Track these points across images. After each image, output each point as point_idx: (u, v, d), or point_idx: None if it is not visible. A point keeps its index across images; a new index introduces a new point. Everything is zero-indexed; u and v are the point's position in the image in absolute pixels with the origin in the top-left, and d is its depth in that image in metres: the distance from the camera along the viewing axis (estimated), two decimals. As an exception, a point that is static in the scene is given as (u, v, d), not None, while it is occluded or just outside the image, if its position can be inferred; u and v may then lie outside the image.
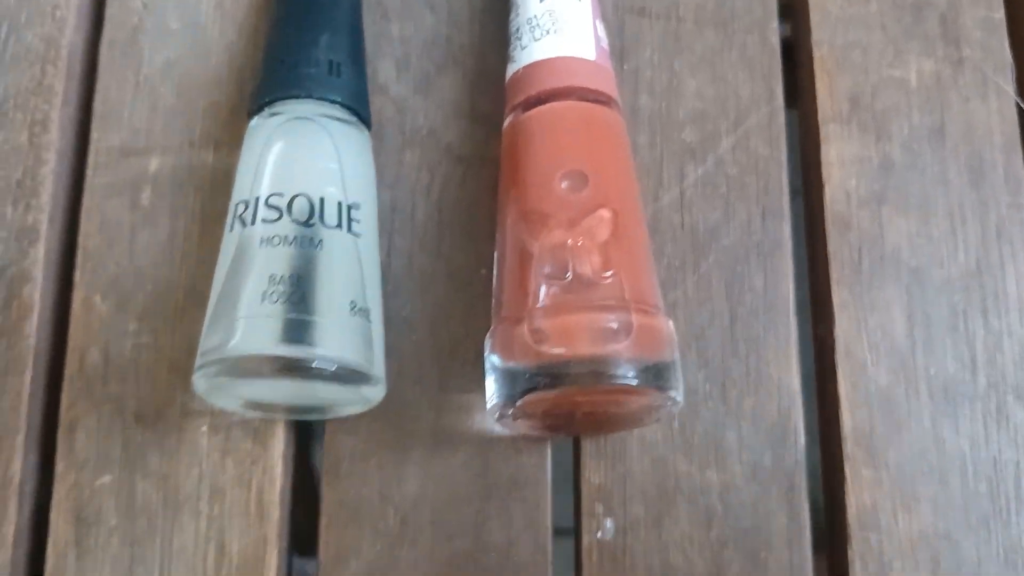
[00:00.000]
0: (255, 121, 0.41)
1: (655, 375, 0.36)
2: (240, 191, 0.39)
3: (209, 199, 0.44)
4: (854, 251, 0.44)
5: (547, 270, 0.36)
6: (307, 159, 0.39)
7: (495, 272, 0.40)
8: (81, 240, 0.44)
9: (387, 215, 0.43)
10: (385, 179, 0.44)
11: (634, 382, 0.35)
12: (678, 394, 0.36)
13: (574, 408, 0.38)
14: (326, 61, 0.41)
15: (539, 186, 0.38)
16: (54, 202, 0.44)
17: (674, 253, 0.43)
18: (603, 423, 0.40)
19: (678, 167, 0.45)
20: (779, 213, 0.44)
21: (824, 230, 0.44)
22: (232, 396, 0.39)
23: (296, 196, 0.38)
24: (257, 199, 0.38)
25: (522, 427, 0.39)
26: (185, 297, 0.43)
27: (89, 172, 0.44)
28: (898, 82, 0.46)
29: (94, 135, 0.45)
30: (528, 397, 0.36)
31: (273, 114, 0.40)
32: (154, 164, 0.44)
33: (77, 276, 0.43)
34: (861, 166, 0.45)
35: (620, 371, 0.35)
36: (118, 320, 0.42)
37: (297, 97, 0.40)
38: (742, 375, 0.42)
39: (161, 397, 0.42)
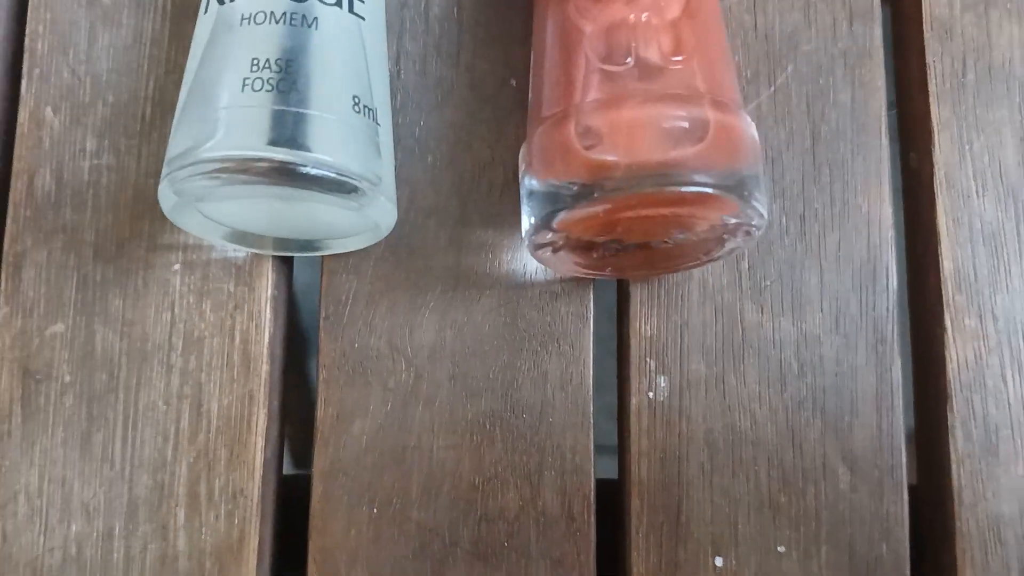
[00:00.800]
0: None
1: (735, 184, 0.28)
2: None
3: (181, -5, 0.36)
4: (957, 62, 0.36)
5: (602, 54, 0.29)
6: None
7: (532, 70, 0.32)
8: (28, 43, 0.36)
9: (395, 12, 0.36)
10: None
11: (708, 189, 0.28)
12: (762, 209, 0.29)
13: (627, 233, 0.31)
14: None
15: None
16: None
17: (746, 61, 0.36)
18: (659, 259, 0.33)
19: (747, -38, 0.37)
20: (869, 15, 0.36)
21: (922, 37, 0.36)
22: (207, 216, 0.31)
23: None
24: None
25: (562, 263, 0.32)
26: (153, 110, 0.35)
27: (36, -37, 0.37)
28: None
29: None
30: (572, 213, 0.28)
31: None
32: (115, -47, 0.36)
33: (24, 86, 0.36)
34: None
35: (691, 176, 0.28)
36: (73, 137, 0.35)
37: None
38: (825, 206, 0.35)
39: (124, 228, 0.34)
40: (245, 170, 0.29)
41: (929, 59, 0.36)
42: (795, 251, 0.35)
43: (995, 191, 0.35)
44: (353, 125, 0.30)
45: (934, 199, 0.35)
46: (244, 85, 0.29)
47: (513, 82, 0.35)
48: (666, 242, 0.32)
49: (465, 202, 0.35)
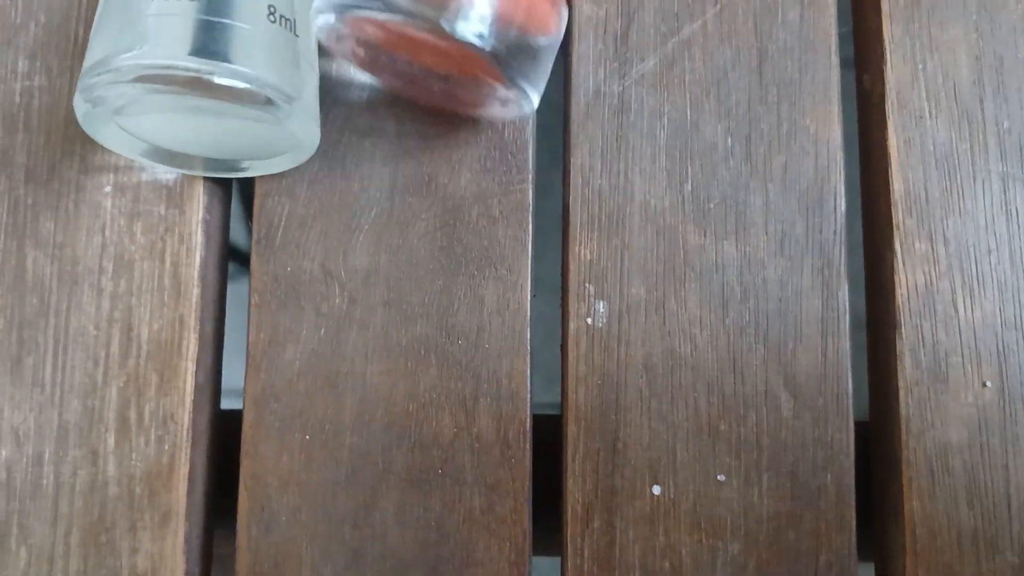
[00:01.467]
0: None
1: (506, 54, 0.28)
2: None
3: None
4: (913, -19, 0.35)
5: None
6: None
7: None
8: (-41, -37, 0.35)
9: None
10: None
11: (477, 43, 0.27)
12: (531, 93, 0.29)
13: (413, 56, 0.30)
14: None
15: None
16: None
17: (690, -20, 0.35)
18: (443, 95, 0.32)
19: None
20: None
21: (877, -46, 0.35)
22: (127, 131, 0.31)
23: None
24: None
25: (342, 49, 0.31)
26: (85, 31, 0.34)
27: None
28: None
29: None
30: (353, 14, 0.28)
31: None
32: None
33: (-46, 7, 0.35)
34: None
35: (461, 25, 0.27)
36: (4, 59, 0.34)
37: None
38: (772, 127, 0.34)
39: (56, 150, 0.34)
40: (157, 79, 0.28)
41: (884, -21, 0.35)
42: (740, 173, 0.34)
43: (948, 112, 0.34)
44: (270, 36, 0.29)
45: (885, 120, 0.34)
46: (159, -7, 0.28)
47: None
48: (444, 80, 0.31)
49: (402, 122, 0.34)
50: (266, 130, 0.30)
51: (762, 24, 0.34)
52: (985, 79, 0.34)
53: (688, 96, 0.34)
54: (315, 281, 0.33)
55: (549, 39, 0.30)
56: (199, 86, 0.28)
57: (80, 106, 0.29)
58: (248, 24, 0.29)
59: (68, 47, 0.34)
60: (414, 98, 0.33)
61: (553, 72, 0.35)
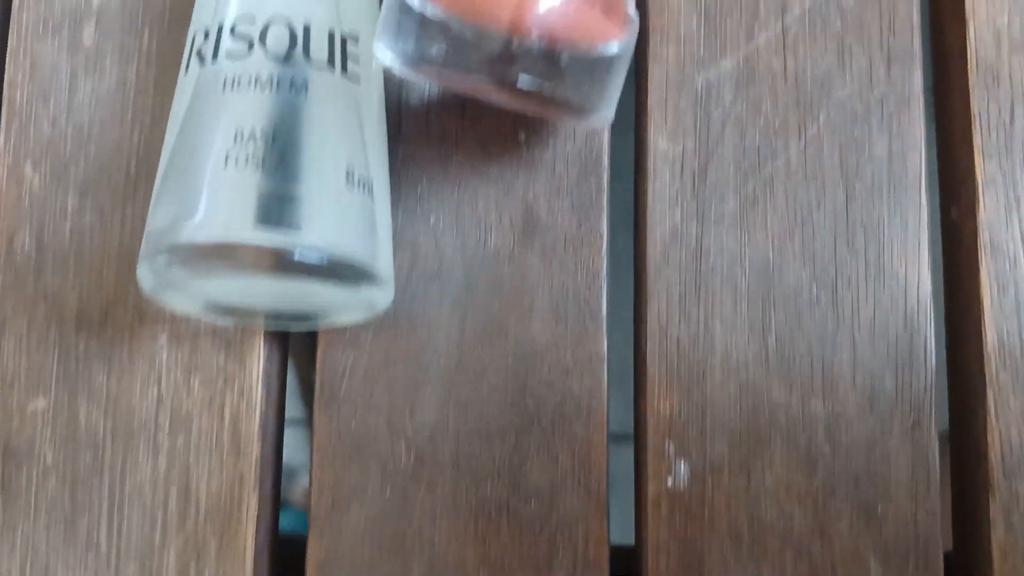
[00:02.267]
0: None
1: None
2: (200, 16, 0.29)
3: (169, 36, 0.34)
4: (1004, 111, 0.33)
5: None
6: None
7: None
8: (7, 91, 0.34)
9: (398, 61, 0.33)
10: None
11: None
12: (602, 110, 0.28)
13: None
14: None
15: None
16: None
17: (774, 110, 0.33)
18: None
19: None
20: (909, 58, 0.33)
21: (966, 83, 0.33)
22: (191, 295, 0.29)
23: (272, 20, 0.28)
24: (220, 27, 0.28)
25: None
26: (138, 166, 0.33)
27: (15, 2, 0.34)
28: None
29: (20, -45, 0.34)
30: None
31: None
32: (97, -7, 0.34)
33: (2, 139, 0.33)
34: None
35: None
36: (54, 195, 0.33)
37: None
38: (859, 273, 0.32)
39: (109, 295, 0.32)
40: (228, 256, 0.27)
41: (975, 107, 0.33)
42: (826, 323, 0.32)
43: (1044, 251, 0.33)
44: (346, 203, 0.28)
45: (977, 264, 0.33)
46: (227, 160, 0.27)
47: (522, 136, 0.33)
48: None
49: (470, 265, 0.32)
50: (340, 293, 0.29)
51: (848, 160, 0.33)
52: (1083, 220, 0.32)
53: (771, 238, 0.32)
54: (380, 438, 0.31)
55: (606, 47, 0.28)
56: (270, 263, 0.27)
57: (145, 280, 0.28)
58: (324, 193, 0.27)
59: (120, 183, 0.33)
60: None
61: (622, 213, 0.33)
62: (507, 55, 0.27)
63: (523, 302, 0.32)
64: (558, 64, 0.27)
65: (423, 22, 0.27)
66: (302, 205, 0.27)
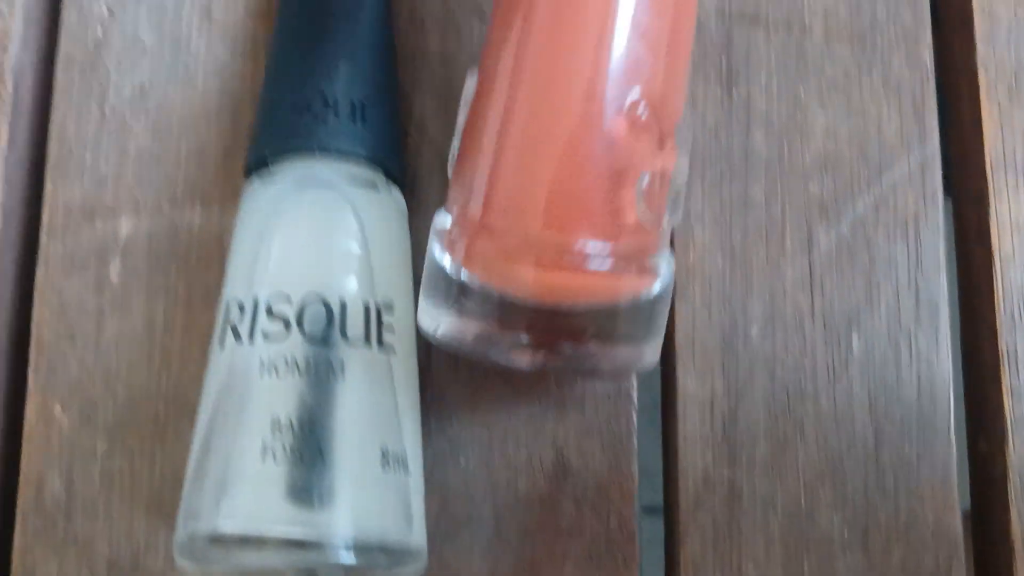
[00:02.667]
0: (253, 184, 0.31)
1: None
2: (234, 284, 0.30)
3: (196, 274, 0.34)
4: (1033, 347, 0.33)
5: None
6: (322, 243, 0.30)
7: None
8: (34, 329, 0.34)
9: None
10: (420, 249, 0.34)
11: None
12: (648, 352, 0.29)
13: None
14: (346, 102, 0.30)
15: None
16: (0, 280, 0.34)
17: (803, 348, 0.33)
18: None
19: (804, 230, 0.34)
20: (936, 295, 0.34)
21: (995, 320, 0.34)
22: (228, 564, 0.29)
23: (308, 299, 0.28)
24: (256, 302, 0.28)
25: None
26: (167, 407, 0.33)
27: (43, 238, 0.34)
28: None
29: (48, 187, 0.35)
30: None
31: (275, 176, 0.30)
32: (125, 227, 0.34)
33: (31, 378, 0.33)
34: (1042, 229, 0.34)
35: None
36: (83, 437, 0.33)
37: (307, 152, 0.30)
38: (890, 517, 0.32)
39: (139, 542, 0.32)
40: (260, 545, 0.27)
41: (1003, 345, 0.33)
42: (857, 568, 0.32)
43: (1075, 491, 0.33)
44: (381, 485, 0.28)
45: (1007, 500, 0.33)
46: (264, 452, 0.27)
47: (551, 374, 0.33)
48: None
49: (500, 509, 0.32)
50: (372, 568, 0.29)
51: (877, 401, 0.33)
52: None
53: (802, 484, 0.32)
54: None
55: (647, 293, 0.28)
56: (304, 553, 0.27)
57: (183, 561, 0.28)
58: (358, 478, 0.27)
59: (149, 426, 0.33)
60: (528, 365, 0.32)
61: (648, 461, 0.33)
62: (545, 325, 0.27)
63: (555, 548, 0.32)
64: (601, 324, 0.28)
65: (461, 289, 0.27)
66: (336, 493, 0.27)
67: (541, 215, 0.26)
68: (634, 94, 0.26)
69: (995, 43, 0.36)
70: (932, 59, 0.35)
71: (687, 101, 0.33)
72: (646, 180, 0.26)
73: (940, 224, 0.34)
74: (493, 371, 0.33)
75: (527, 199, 0.26)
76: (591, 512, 0.32)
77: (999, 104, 0.35)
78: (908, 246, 0.34)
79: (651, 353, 0.29)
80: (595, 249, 0.26)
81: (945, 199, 0.34)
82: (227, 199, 0.34)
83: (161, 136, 0.35)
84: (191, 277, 0.34)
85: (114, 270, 0.34)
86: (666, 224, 0.28)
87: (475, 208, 0.27)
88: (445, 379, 0.33)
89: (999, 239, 0.34)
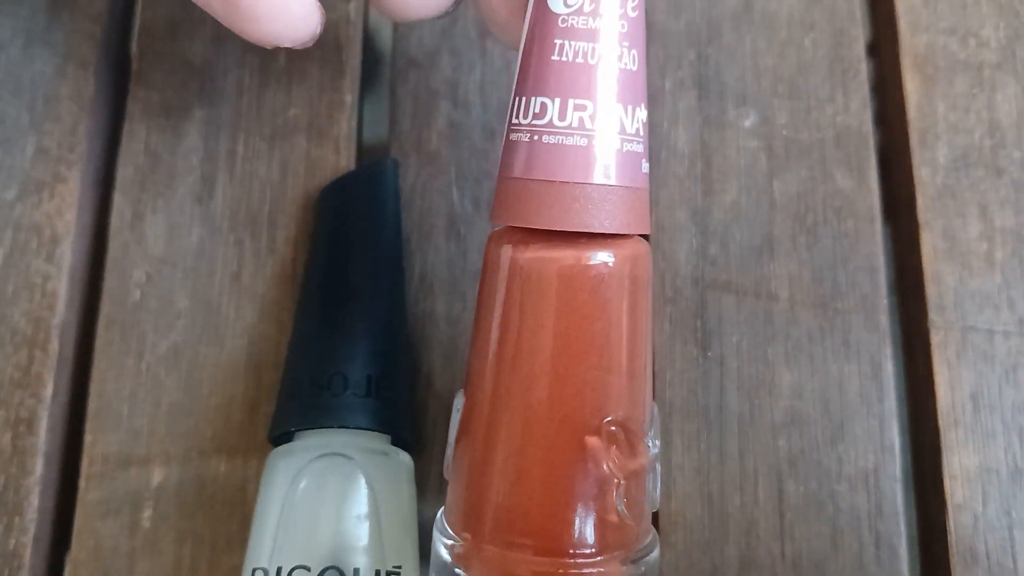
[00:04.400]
0: (274, 454, 0.34)
1: None
2: (256, 554, 0.33)
3: (221, 520, 0.37)
4: (986, 587, 0.37)
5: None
6: (336, 513, 0.33)
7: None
8: (70, 569, 0.37)
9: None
10: (425, 500, 0.37)
11: None
12: None
13: None
14: (362, 378, 0.34)
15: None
16: (40, 519, 0.37)
17: (773, 596, 0.36)
18: None
19: (775, 484, 0.38)
20: (895, 543, 0.37)
21: (948, 563, 0.37)
22: None
23: (325, 572, 0.31)
24: (279, 571, 0.31)
25: None
26: None
27: (82, 483, 0.38)
28: (1030, 367, 0.39)
29: (88, 438, 0.38)
30: None
31: (295, 447, 0.34)
32: (157, 476, 0.38)
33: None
34: (988, 479, 0.38)
35: None
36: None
37: (324, 427, 0.34)
38: None
39: None
40: None
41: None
42: None
43: None
44: None
45: None
46: None
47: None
48: None
49: None
50: None
51: (844, 645, 0.36)
52: None
53: None
54: None
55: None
56: None
57: None
58: None
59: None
60: None
61: None
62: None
63: None
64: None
65: None
66: None
67: (532, 536, 0.30)
68: (606, 411, 0.30)
69: (943, 305, 0.39)
70: (889, 324, 0.39)
71: (667, 362, 0.37)
72: (622, 485, 0.30)
73: (897, 475, 0.38)
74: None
75: (518, 522, 0.30)
76: None
77: (948, 363, 0.39)
78: (868, 496, 0.37)
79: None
80: (584, 542, 0.30)
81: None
82: (251, 450, 0.37)
83: (191, 391, 0.38)
84: (216, 522, 0.37)
85: (146, 515, 0.37)
86: (647, 513, 0.31)
87: (472, 526, 0.30)
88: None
89: (951, 489, 0.37)
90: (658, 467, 0.32)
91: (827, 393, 0.38)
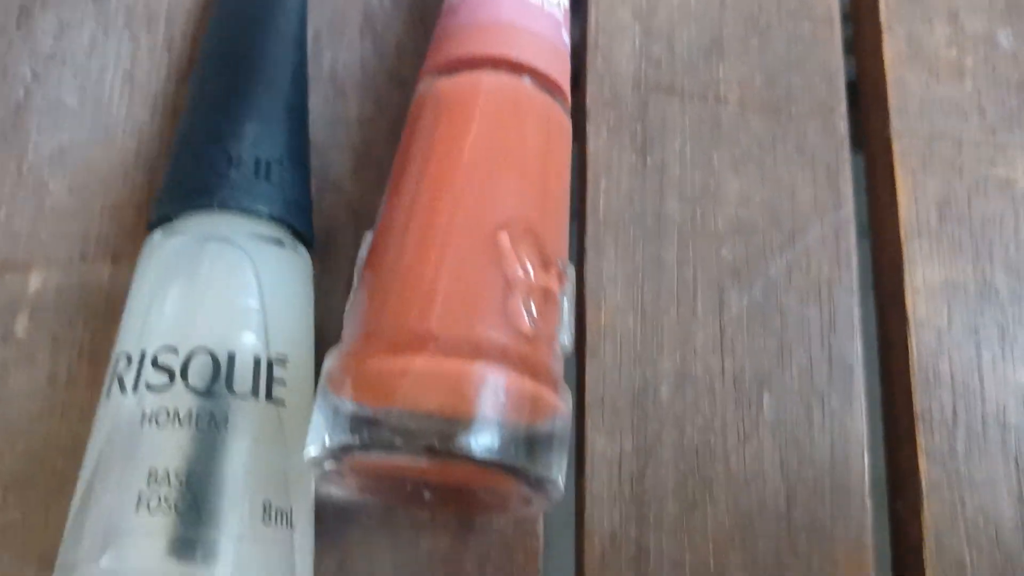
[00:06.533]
0: (156, 237, 0.31)
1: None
2: (125, 338, 0.29)
3: (103, 330, 0.33)
4: (947, 412, 0.33)
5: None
6: (216, 297, 0.29)
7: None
8: (-65, 383, 0.33)
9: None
10: (335, 314, 0.33)
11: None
12: (558, 479, 0.27)
13: (423, 476, 0.29)
14: (251, 159, 0.31)
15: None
16: (-95, 330, 0.34)
17: (712, 410, 0.33)
18: (462, 504, 0.31)
19: (716, 295, 0.34)
20: (850, 357, 0.33)
21: (909, 384, 0.33)
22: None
23: (195, 352, 0.28)
24: (143, 354, 0.28)
25: (354, 488, 0.30)
26: (66, 461, 0.32)
27: (-49, 292, 0.34)
28: (1002, 181, 0.35)
29: (-39, 243, 0.34)
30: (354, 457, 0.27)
31: (175, 232, 0.30)
32: (34, 282, 0.34)
33: (-73, 432, 0.33)
34: (954, 295, 0.34)
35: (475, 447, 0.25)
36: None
37: (207, 208, 0.30)
38: (802, 581, 0.31)
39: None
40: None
41: (918, 409, 0.33)
42: (769, 635, 0.31)
43: (991, 559, 0.32)
44: (262, 539, 0.27)
45: (923, 570, 0.32)
46: (139, 503, 0.26)
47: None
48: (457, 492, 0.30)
49: (399, 570, 0.31)
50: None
51: (789, 462, 0.32)
52: (1028, 523, 0.32)
53: (711, 545, 0.32)
54: None
55: (561, 418, 0.27)
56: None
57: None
58: (239, 532, 0.26)
59: (47, 481, 0.32)
60: (428, 514, 0.31)
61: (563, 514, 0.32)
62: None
63: None
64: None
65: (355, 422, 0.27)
66: (216, 546, 0.26)
67: (435, 312, 0.27)
68: (514, 214, 0.28)
69: (907, 115, 0.36)
70: (848, 129, 0.36)
71: (603, 168, 0.33)
72: (533, 293, 0.27)
73: (855, 287, 0.34)
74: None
75: (418, 300, 0.27)
76: (494, 572, 0.31)
77: (913, 173, 0.35)
78: (821, 309, 0.34)
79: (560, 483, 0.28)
80: (490, 342, 0.26)
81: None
82: (138, 255, 0.34)
83: (77, 193, 0.35)
84: (98, 332, 0.33)
85: (20, 325, 0.34)
86: (557, 349, 0.28)
87: (365, 327, 0.27)
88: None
89: (913, 304, 0.34)
90: (568, 312, 0.28)
91: (777, 201, 0.35)
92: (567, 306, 0.29)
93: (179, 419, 0.27)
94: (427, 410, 0.26)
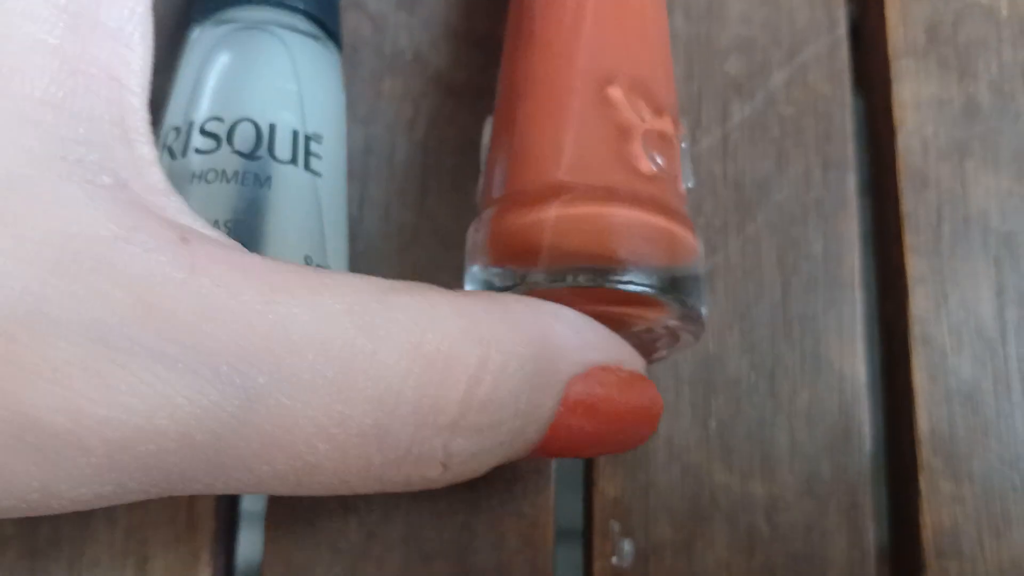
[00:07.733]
0: (196, 31, 0.33)
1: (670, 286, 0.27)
2: (173, 115, 0.31)
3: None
4: (932, 213, 0.35)
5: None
6: (257, 77, 0.31)
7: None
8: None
9: (359, 158, 0.35)
10: (358, 113, 0.35)
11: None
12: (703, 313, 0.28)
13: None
14: (288, -40, 0.32)
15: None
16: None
17: (714, 211, 0.35)
18: None
19: (720, 105, 0.36)
20: (843, 164, 0.36)
21: (896, 187, 0.36)
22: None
23: (239, 121, 0.30)
24: (191, 124, 0.30)
25: None
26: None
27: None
28: (986, 9, 0.38)
29: None
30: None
31: (219, 23, 0.32)
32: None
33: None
34: (940, 110, 0.36)
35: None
36: None
37: (249, 2, 0.32)
38: (796, 363, 0.34)
39: None
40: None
41: (904, 209, 0.35)
42: (765, 409, 0.33)
43: (971, 348, 0.34)
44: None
45: (908, 356, 0.34)
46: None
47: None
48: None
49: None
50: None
51: (785, 258, 0.35)
52: (1007, 314, 0.34)
53: (711, 330, 0.34)
54: (331, 515, 0.32)
55: (697, 255, 0.29)
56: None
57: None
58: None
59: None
60: None
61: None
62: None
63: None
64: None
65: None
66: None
67: (563, 165, 0.28)
68: (623, 69, 0.29)
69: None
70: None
71: None
72: (650, 140, 0.28)
73: (847, 101, 0.36)
74: (424, 227, 0.35)
75: (545, 155, 0.28)
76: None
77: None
78: (816, 120, 0.36)
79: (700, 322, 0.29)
80: (620, 185, 0.28)
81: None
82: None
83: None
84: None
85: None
86: (682, 189, 0.29)
87: (497, 194, 0.29)
88: (374, 234, 0.35)
89: (902, 116, 0.36)
90: (687, 156, 0.30)
91: (776, 21, 0.37)
92: (685, 149, 0.30)
93: (226, 177, 0.29)
94: (572, 250, 0.27)
